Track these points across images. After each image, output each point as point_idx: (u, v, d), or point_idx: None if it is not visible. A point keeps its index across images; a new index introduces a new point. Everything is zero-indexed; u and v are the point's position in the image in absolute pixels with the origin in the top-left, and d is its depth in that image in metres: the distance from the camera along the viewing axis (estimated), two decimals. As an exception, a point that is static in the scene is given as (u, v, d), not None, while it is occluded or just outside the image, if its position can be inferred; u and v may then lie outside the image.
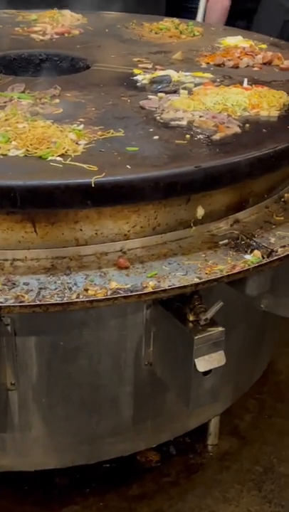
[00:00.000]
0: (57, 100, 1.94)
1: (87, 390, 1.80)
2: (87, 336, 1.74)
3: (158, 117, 1.85)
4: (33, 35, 2.77)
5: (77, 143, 1.63)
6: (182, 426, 2.05)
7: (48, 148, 1.57)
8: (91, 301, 1.44)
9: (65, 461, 1.92)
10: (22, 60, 2.54)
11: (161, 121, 1.83)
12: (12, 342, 1.68)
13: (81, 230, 1.59)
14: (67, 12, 3.06)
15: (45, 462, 1.90)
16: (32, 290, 1.47)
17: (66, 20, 2.95)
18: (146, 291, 1.47)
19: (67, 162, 1.54)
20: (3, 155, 1.56)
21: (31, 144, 1.58)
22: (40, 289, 1.48)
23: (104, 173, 1.49)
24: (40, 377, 1.75)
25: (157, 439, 2.03)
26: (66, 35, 2.80)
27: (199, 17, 3.61)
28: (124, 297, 1.44)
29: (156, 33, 2.87)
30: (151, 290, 1.47)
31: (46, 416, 1.81)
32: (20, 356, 1.71)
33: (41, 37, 2.75)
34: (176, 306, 1.66)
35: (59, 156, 1.56)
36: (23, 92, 1.98)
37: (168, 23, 2.99)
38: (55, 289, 1.48)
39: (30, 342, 1.71)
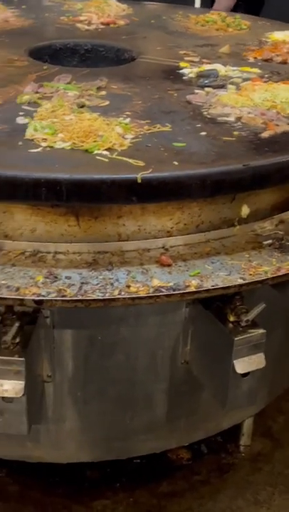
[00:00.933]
0: (103, 92, 1.92)
1: (122, 386, 1.79)
2: (125, 331, 1.72)
3: (205, 113, 1.82)
4: (79, 25, 2.76)
5: (123, 137, 1.61)
6: (216, 426, 2.02)
7: (94, 141, 1.55)
8: (133, 299, 1.42)
9: (98, 456, 1.92)
10: (67, 50, 2.52)
11: (209, 116, 1.80)
12: (50, 334, 1.67)
13: (124, 225, 1.57)
14: (112, 2, 3.04)
15: (78, 455, 1.90)
16: (74, 284, 1.46)
17: (112, 10, 2.93)
18: (188, 290, 1.44)
19: (114, 156, 1.52)
20: (49, 147, 1.55)
21: (78, 137, 1.56)
22: (82, 283, 1.47)
23: (150, 169, 1.47)
24: (77, 370, 1.74)
25: (190, 437, 2.01)
26: (111, 25, 2.77)
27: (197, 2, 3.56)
28: (167, 296, 1.42)
29: (202, 26, 2.83)
30: (194, 290, 1.44)
31: (81, 410, 1.80)
32: (58, 349, 1.70)
33: (87, 27, 2.74)
34: (216, 305, 1.64)
35: (105, 149, 1.54)
36: (69, 83, 1.96)
37: (214, 15, 2.94)
38: (97, 284, 1.47)
39: (68, 335, 1.70)
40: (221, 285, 1.47)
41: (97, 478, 2.07)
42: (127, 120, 1.71)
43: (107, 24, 2.77)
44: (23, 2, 3.09)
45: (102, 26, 2.76)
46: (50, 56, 2.46)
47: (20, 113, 1.73)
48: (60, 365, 1.73)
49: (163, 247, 1.61)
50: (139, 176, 1.44)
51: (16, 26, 2.72)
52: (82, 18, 2.82)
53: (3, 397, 1.50)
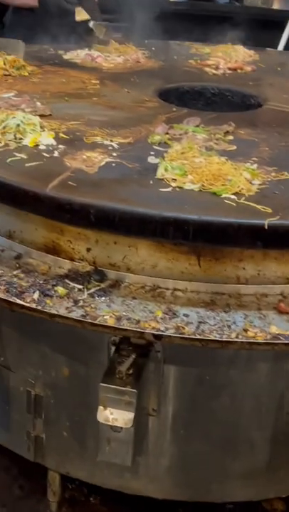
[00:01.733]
0: (230, 137, 1.96)
1: (225, 429, 1.78)
2: (234, 374, 1.73)
3: None
4: (206, 69, 2.83)
5: (251, 182, 1.64)
6: (316, 481, 1.97)
7: (222, 185, 1.59)
8: (250, 343, 1.43)
9: (193, 496, 1.91)
10: (194, 93, 2.60)
11: None
12: (160, 369, 1.70)
13: (244, 268, 1.59)
14: (240, 47, 3.10)
15: (174, 493, 1.89)
16: (192, 323, 1.49)
17: (239, 56, 2.99)
18: (308, 341, 1.43)
19: (241, 201, 1.55)
20: (179, 187, 1.60)
21: (207, 180, 1.60)
22: (200, 322, 1.49)
23: (278, 216, 1.48)
24: (182, 407, 1.76)
25: (289, 489, 1.97)
26: (238, 70, 2.83)
27: (281, 45, 3.50)
28: (286, 344, 1.42)
29: None
30: (314, 341, 1.43)
31: (182, 447, 1.81)
32: (166, 384, 1.73)
33: (214, 71, 2.80)
34: None
35: (233, 194, 1.58)
36: (197, 125, 2.02)
37: None
38: (214, 324, 1.49)
39: (177, 372, 1.73)
40: None
41: (188, 518, 2.05)
42: (255, 166, 1.74)
43: (234, 69, 2.83)
44: (153, 44, 3.21)
45: (229, 71, 2.81)
46: (176, 98, 2.53)
47: (152, 152, 1.80)
48: (166, 401, 1.75)
49: (281, 294, 1.61)
50: (266, 223, 1.46)
51: (146, 67, 2.83)
52: (209, 62, 2.89)
53: (111, 426, 1.54)
